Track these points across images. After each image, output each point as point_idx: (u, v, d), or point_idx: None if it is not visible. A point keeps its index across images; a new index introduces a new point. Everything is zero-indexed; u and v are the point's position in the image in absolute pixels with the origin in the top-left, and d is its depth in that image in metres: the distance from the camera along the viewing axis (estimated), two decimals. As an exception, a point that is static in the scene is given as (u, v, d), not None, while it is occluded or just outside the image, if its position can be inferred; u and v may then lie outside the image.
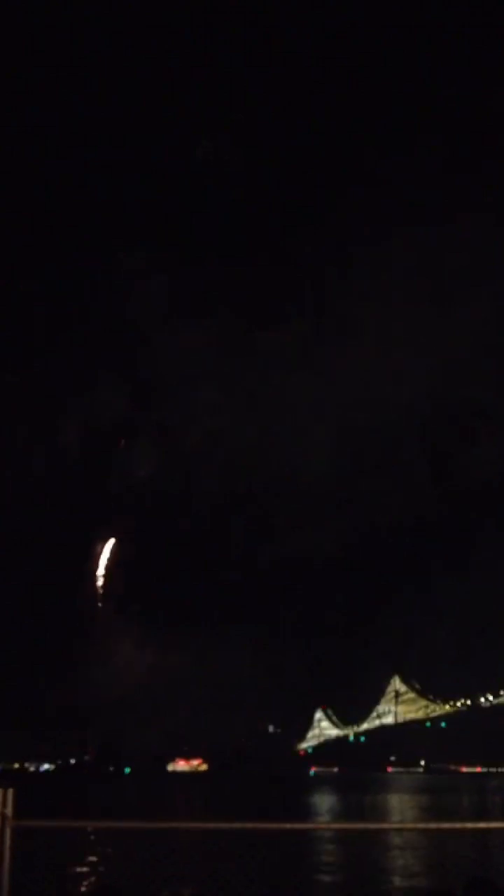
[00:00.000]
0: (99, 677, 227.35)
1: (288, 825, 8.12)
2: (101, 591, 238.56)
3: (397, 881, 31.87)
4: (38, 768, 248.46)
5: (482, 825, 8.21)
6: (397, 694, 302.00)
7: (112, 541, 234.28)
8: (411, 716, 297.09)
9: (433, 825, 10.71)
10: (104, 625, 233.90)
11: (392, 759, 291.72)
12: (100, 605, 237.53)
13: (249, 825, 7.83)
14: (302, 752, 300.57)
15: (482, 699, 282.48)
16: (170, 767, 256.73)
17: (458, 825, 7.91)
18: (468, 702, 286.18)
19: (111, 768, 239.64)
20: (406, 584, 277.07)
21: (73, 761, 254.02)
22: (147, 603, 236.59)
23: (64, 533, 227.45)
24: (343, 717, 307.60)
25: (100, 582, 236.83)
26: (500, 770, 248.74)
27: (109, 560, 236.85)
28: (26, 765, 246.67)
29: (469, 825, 8.25)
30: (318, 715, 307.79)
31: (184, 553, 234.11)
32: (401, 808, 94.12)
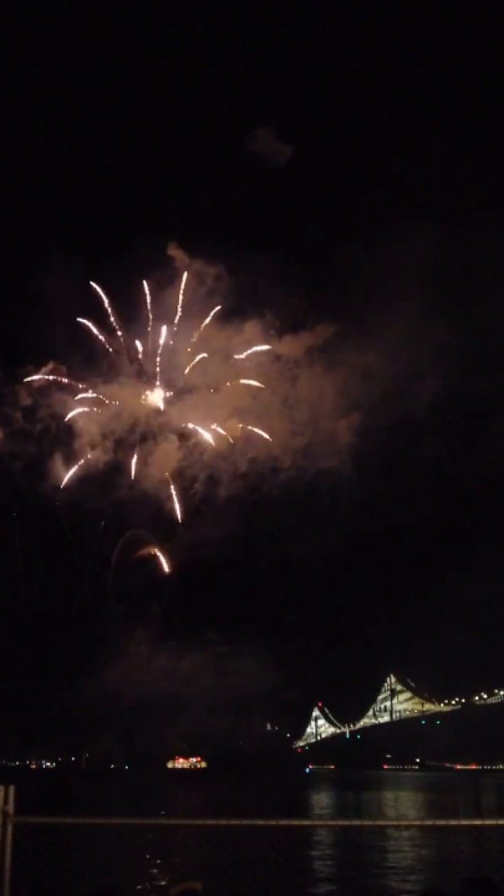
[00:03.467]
0: (103, 677, 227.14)
1: (285, 822, 8.16)
2: (111, 589, 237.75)
3: (395, 879, 31.89)
4: (38, 765, 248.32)
5: (478, 822, 8.27)
6: (393, 692, 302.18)
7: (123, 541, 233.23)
8: (407, 714, 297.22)
9: (430, 822, 10.74)
10: (114, 624, 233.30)
11: (388, 756, 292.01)
12: (110, 605, 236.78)
13: (247, 822, 7.89)
14: (299, 750, 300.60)
15: (476, 698, 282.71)
16: (169, 765, 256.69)
17: (454, 822, 7.96)
18: (463, 700, 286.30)
19: (111, 766, 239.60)
20: (406, 584, 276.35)
21: (73, 759, 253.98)
22: (161, 603, 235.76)
23: (70, 532, 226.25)
24: (339, 714, 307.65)
25: (110, 580, 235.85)
26: (494, 768, 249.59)
27: (121, 558, 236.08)
28: (27, 762, 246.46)
29: (465, 822, 8.31)
30: (315, 713, 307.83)
31: (187, 554, 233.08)
32: (397, 806, 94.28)
